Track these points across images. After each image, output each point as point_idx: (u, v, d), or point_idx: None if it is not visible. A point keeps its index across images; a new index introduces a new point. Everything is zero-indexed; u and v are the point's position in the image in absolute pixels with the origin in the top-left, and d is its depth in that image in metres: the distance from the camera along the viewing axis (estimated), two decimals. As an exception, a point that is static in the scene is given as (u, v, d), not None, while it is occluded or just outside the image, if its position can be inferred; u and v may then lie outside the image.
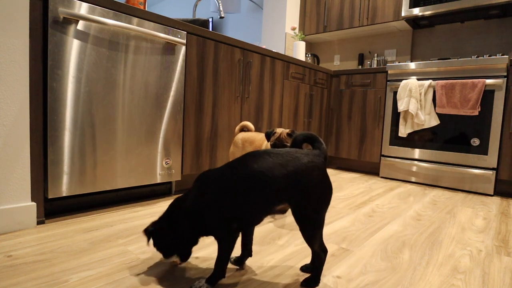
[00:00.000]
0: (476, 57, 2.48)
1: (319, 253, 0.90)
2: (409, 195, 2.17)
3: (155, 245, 0.95)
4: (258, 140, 1.62)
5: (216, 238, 0.86)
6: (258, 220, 0.87)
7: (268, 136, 1.47)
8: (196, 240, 0.94)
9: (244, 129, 1.78)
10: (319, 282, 0.93)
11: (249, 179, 0.81)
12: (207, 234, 0.91)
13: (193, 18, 2.29)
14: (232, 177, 0.83)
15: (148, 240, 0.93)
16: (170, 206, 0.96)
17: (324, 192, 0.84)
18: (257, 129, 2.33)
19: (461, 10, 2.60)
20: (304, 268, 1.02)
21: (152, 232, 0.94)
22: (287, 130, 1.45)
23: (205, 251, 1.13)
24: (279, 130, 1.45)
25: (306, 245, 1.23)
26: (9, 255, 1.02)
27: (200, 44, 1.85)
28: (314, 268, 0.93)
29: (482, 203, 2.04)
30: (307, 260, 1.09)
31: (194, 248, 1.15)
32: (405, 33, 3.26)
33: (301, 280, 0.95)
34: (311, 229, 0.84)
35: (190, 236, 0.92)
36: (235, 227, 0.84)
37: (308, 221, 0.83)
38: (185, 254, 0.97)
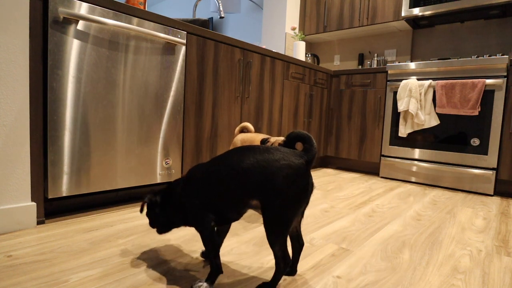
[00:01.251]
0: (476, 57, 2.48)
1: (278, 260, 0.84)
2: (409, 195, 2.17)
3: (146, 214, 1.00)
4: (257, 141, 1.62)
5: (196, 229, 0.91)
6: (235, 215, 0.89)
7: (262, 144, 1.47)
8: (178, 224, 0.97)
9: (244, 130, 1.78)
10: None
11: (227, 172, 0.85)
12: (188, 224, 0.94)
13: (193, 18, 2.29)
14: (214, 168, 0.87)
15: (142, 209, 0.97)
16: (169, 184, 0.99)
17: (294, 194, 0.81)
18: (257, 130, 2.33)
19: (461, 10, 2.60)
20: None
21: (146, 202, 0.98)
22: (281, 139, 1.42)
23: (205, 251, 1.13)
24: (272, 139, 1.43)
25: (305, 245, 1.23)
26: (9, 255, 1.02)
27: (200, 44, 1.85)
28: (273, 276, 0.87)
29: (482, 203, 2.04)
30: (307, 260, 1.09)
31: (194, 248, 1.15)
32: (405, 33, 3.26)
33: (300, 280, 0.95)
34: (272, 230, 0.82)
35: (173, 219, 0.96)
36: (211, 218, 0.87)
37: (270, 219, 0.81)
38: (164, 231, 1.00)
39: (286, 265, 0.85)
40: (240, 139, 1.68)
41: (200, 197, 0.87)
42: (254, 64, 2.23)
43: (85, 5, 1.34)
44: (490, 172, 2.26)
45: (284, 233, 0.82)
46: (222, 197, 0.85)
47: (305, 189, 0.83)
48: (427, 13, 2.74)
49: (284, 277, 0.97)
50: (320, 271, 1.02)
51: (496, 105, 2.23)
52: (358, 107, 2.97)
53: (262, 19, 4.45)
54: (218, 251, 0.89)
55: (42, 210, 1.30)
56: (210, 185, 0.86)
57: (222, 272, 0.88)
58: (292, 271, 0.98)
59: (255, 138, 1.64)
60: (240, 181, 0.83)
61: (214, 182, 0.86)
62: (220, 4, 2.61)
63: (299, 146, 2.28)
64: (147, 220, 1.41)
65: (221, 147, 2.05)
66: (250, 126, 1.74)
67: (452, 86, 2.37)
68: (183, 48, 1.75)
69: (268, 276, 0.97)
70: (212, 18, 5.21)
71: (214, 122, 1.98)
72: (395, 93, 2.70)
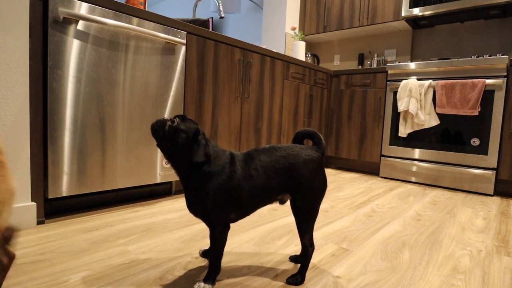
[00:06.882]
0: (476, 57, 2.48)
1: (307, 247, 0.93)
2: (409, 195, 2.17)
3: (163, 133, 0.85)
4: None
5: (210, 224, 0.85)
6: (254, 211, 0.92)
7: None
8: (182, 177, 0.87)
9: None
10: (304, 279, 0.94)
11: (261, 169, 0.87)
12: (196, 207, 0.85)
13: (193, 18, 2.29)
14: (252, 165, 0.87)
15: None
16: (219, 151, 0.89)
17: (319, 184, 0.91)
18: (257, 130, 2.33)
19: (461, 10, 2.60)
20: (293, 258, 1.08)
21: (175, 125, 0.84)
22: None
23: (205, 251, 1.13)
24: None
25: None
26: (9, 255, 1.02)
27: (200, 44, 1.85)
28: (301, 265, 0.95)
29: (482, 203, 2.04)
30: (307, 260, 1.10)
31: (194, 248, 1.15)
32: (405, 33, 3.26)
33: (301, 280, 0.95)
34: (305, 219, 0.90)
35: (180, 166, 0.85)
36: (232, 218, 0.87)
37: (303, 210, 0.89)
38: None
39: (313, 250, 0.94)
40: None
41: (235, 196, 0.83)
42: (254, 64, 2.23)
43: (85, 5, 1.34)
44: (490, 172, 2.26)
45: (313, 222, 0.92)
46: (258, 196, 0.86)
47: (325, 178, 0.94)
48: (427, 13, 2.73)
49: (284, 277, 0.97)
50: (320, 271, 1.02)
51: (496, 105, 2.23)
52: (358, 107, 2.97)
53: (262, 19, 4.45)
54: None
55: (42, 210, 1.30)
56: (249, 183, 0.84)
57: (219, 272, 0.89)
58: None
59: None
60: (275, 179, 0.86)
61: (252, 181, 0.85)
62: (220, 4, 2.61)
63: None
64: (147, 221, 1.41)
65: (221, 147, 2.04)
66: None
67: (452, 86, 2.37)
68: (183, 48, 1.75)
69: (268, 276, 0.97)
70: (212, 18, 5.20)
71: (214, 122, 1.98)
72: (395, 93, 2.69)
